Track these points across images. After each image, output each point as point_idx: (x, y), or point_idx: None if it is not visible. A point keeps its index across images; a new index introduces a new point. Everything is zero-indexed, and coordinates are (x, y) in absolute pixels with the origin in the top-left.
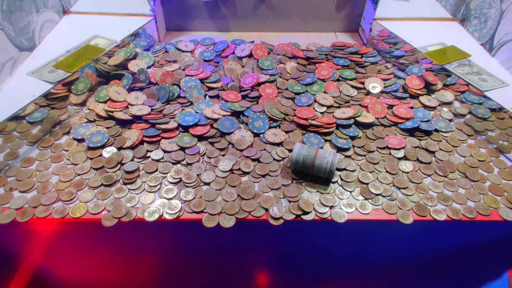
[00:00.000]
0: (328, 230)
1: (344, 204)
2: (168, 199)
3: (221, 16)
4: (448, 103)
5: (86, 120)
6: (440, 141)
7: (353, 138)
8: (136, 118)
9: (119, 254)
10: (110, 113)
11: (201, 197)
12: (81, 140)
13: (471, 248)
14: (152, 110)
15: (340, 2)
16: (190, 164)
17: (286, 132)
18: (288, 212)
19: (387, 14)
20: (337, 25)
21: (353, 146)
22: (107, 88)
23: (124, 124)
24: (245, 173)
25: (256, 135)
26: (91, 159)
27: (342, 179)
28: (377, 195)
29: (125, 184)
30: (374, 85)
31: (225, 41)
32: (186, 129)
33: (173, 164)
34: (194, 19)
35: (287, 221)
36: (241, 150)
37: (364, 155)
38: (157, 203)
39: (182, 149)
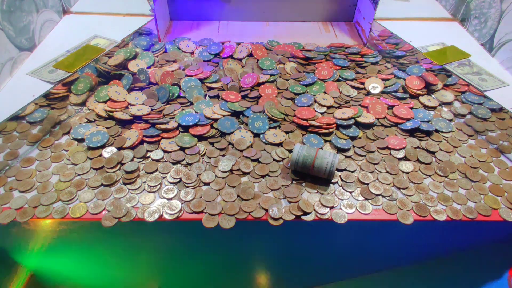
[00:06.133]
0: (328, 230)
1: (344, 205)
2: (168, 199)
3: (219, 5)
4: (448, 103)
5: (86, 120)
6: (441, 141)
7: (353, 138)
8: (136, 118)
9: (119, 254)
10: (110, 113)
11: (201, 197)
12: (81, 140)
13: (471, 248)
14: (152, 110)
15: None
16: (190, 164)
17: (286, 132)
18: (288, 212)
19: (387, 14)
20: (332, 15)
21: (353, 147)
22: (107, 88)
23: (124, 124)
24: (245, 174)
25: (256, 135)
26: (91, 159)
27: (342, 180)
28: (377, 195)
29: (125, 184)
30: (374, 86)
31: (219, 43)
32: (186, 129)
33: (173, 164)
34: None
35: (287, 221)
36: (241, 151)
37: (364, 156)
38: (157, 203)
39: (182, 149)
